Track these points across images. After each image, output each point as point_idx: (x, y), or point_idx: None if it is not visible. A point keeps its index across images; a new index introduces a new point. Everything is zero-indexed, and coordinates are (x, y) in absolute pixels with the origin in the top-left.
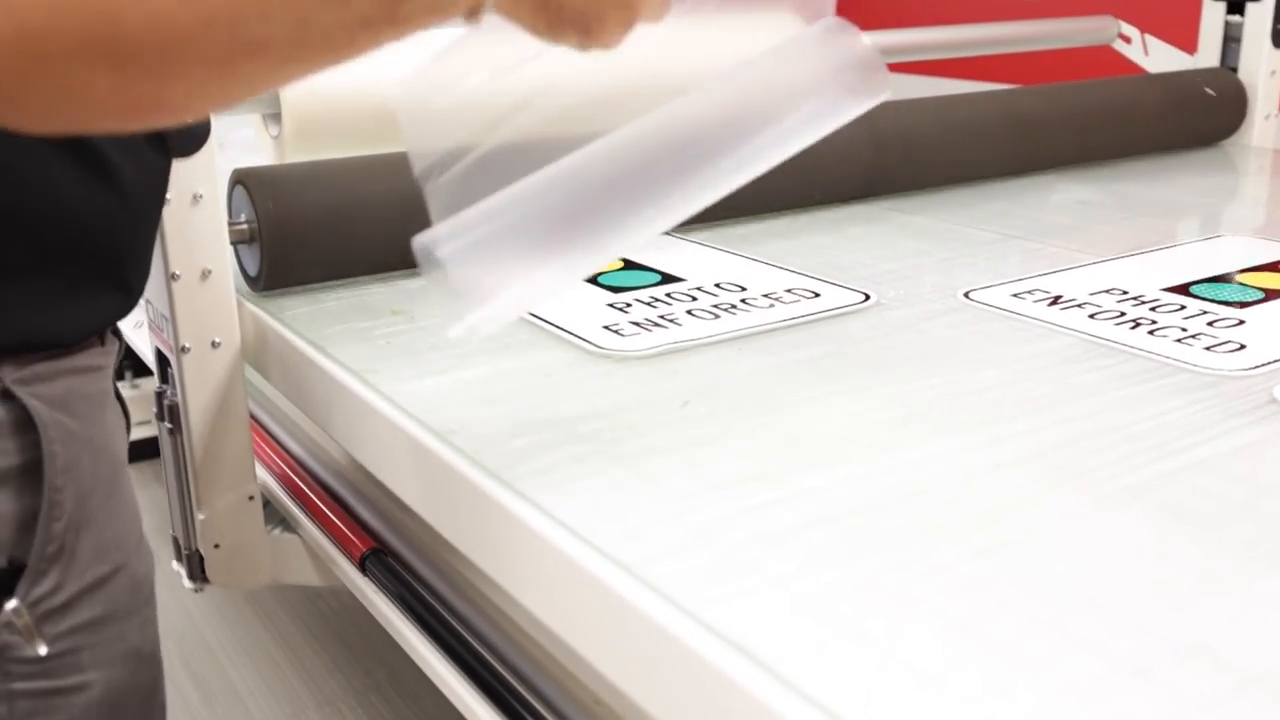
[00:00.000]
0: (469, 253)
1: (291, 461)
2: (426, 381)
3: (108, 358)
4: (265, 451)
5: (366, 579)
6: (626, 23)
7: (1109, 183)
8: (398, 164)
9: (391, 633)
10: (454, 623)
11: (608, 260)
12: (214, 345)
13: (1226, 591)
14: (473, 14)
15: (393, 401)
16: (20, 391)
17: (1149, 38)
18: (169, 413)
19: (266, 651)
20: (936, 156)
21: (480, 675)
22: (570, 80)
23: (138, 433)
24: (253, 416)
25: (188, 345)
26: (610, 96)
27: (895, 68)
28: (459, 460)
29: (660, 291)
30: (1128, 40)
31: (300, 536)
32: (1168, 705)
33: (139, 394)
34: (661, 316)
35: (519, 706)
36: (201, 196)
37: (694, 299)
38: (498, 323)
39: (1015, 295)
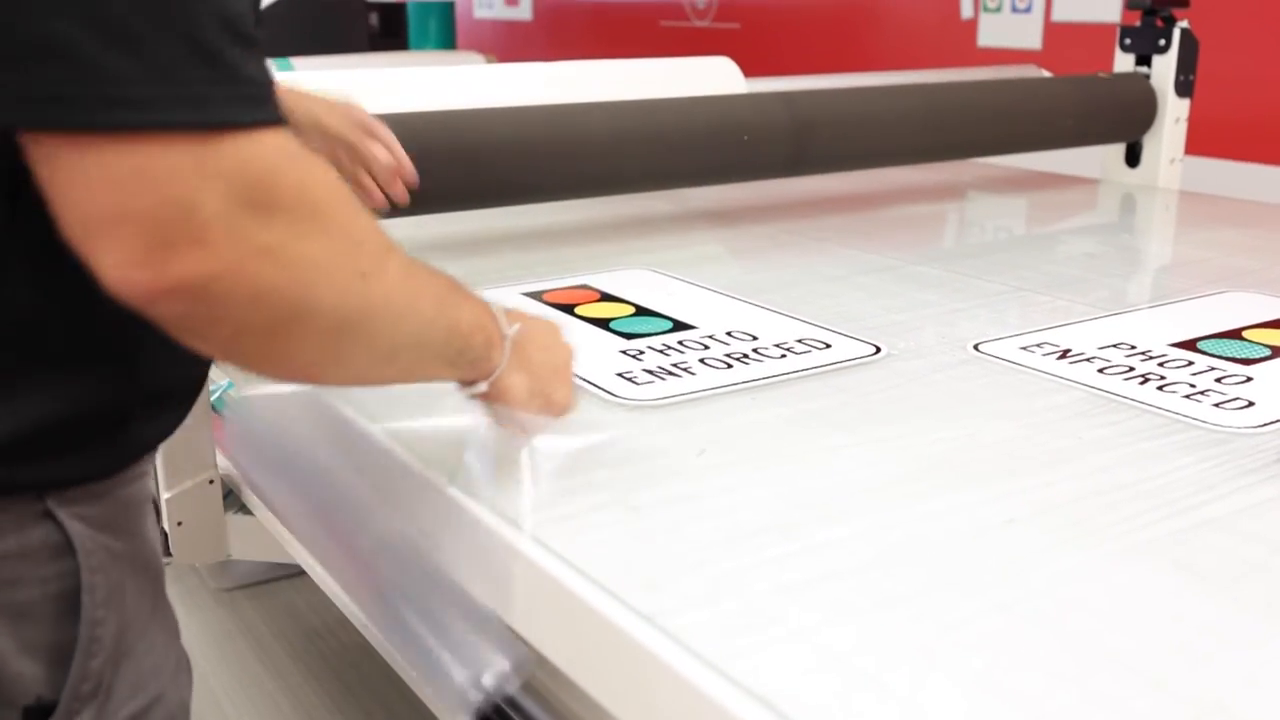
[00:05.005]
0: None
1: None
2: (437, 423)
3: (152, 459)
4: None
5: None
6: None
7: (1109, 234)
8: None
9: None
10: None
11: None
12: None
13: (1242, 650)
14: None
15: (402, 440)
16: (62, 513)
17: None
18: None
19: (266, 691)
20: (856, 136)
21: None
22: None
23: None
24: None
25: None
26: None
27: None
28: (478, 509)
29: (673, 339)
30: None
31: (258, 518)
32: None
33: None
34: (675, 365)
35: None
36: None
37: (706, 347)
38: None
39: (1024, 348)
